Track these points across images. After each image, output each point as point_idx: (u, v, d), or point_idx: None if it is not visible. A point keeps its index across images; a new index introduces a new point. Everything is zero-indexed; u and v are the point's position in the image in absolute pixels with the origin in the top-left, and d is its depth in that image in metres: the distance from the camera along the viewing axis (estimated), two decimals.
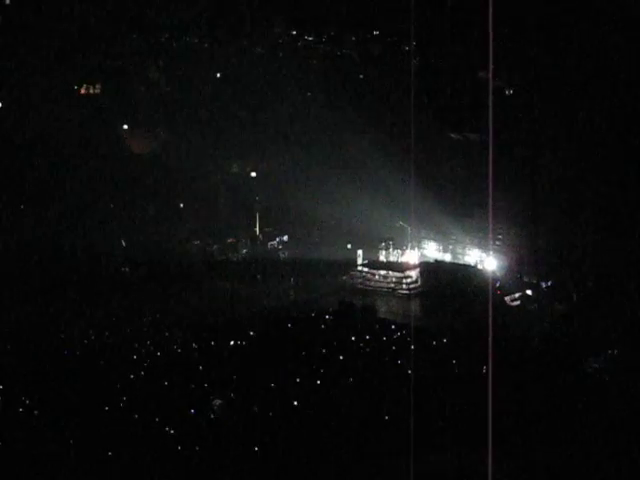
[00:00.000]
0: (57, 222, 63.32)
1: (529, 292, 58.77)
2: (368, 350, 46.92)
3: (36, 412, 38.11)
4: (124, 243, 64.82)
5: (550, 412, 36.47)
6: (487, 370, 34.74)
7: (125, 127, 70.82)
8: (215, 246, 66.81)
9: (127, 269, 62.59)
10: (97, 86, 71.19)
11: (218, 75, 72.42)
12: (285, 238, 68.17)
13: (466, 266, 62.77)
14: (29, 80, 67.49)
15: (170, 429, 36.47)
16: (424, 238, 66.18)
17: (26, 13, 68.41)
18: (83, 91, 71.23)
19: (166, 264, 61.80)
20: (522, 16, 62.00)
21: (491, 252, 61.58)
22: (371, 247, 65.45)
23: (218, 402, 39.27)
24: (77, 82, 70.69)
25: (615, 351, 46.98)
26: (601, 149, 59.25)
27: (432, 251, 65.90)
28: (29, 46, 67.59)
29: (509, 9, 59.72)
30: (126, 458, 33.56)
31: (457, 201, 63.04)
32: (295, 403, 38.48)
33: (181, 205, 68.14)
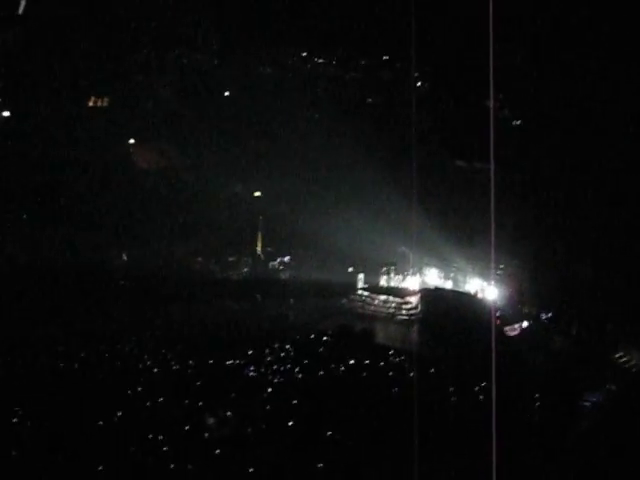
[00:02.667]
0: (58, 235, 63.55)
1: (528, 323, 58.64)
2: (365, 375, 46.75)
3: (28, 424, 37.78)
4: (125, 257, 64.83)
5: (545, 444, 36.22)
6: (485, 400, 34.73)
7: (132, 141, 71.00)
8: (216, 264, 66.84)
9: (127, 283, 62.57)
10: (105, 99, 71.43)
11: (226, 94, 72.67)
12: (287, 259, 68.15)
13: (466, 294, 62.66)
14: (37, 93, 67.81)
15: (163, 446, 36.19)
16: (426, 265, 66.09)
17: (35, 25, 68.66)
18: (91, 104, 71.43)
19: (165, 280, 61.80)
20: (532, 46, 62.33)
21: (492, 282, 61.49)
22: (372, 271, 65.41)
23: (212, 420, 39.08)
24: (85, 95, 70.84)
25: (613, 386, 46.80)
26: (608, 184, 59.38)
27: (433, 278, 65.83)
28: (38, 59, 67.85)
29: (520, 39, 60.13)
30: (117, 474, 33.33)
31: (460, 229, 63.00)
32: (290, 423, 38.24)
33: (183, 222, 68.13)
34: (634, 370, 51.75)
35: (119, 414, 38.86)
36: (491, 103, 59.69)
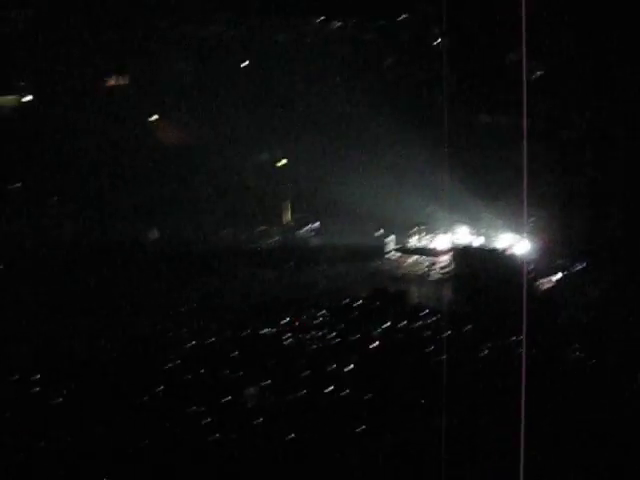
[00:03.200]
0: (85, 214, 63.96)
1: (562, 274, 58.27)
2: (401, 336, 46.83)
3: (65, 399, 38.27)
4: (157, 233, 65.05)
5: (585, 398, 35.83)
6: (520, 362, 34.26)
7: (153, 118, 70.87)
8: (246, 234, 66.87)
9: (159, 258, 62.82)
10: (125, 77, 71.35)
11: (245, 64, 72.28)
12: (317, 225, 68.01)
13: (498, 250, 62.34)
14: (56, 71, 67.91)
15: (204, 418, 36.52)
16: (456, 222, 65.71)
17: (52, 3, 68.55)
18: (111, 83, 71.42)
19: (196, 252, 61.99)
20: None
21: (524, 235, 61.09)
22: (402, 232, 65.16)
23: (251, 390, 39.29)
24: (103, 73, 70.82)
25: None
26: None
27: (464, 235, 65.44)
28: (55, 38, 67.81)
29: None
30: (157, 447, 33.68)
31: (489, 183, 62.56)
32: (326, 391, 38.41)
33: (210, 194, 68.16)
34: None
35: (158, 389, 39.21)
36: (524, 54, 58.70)
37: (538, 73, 65.74)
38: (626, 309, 49.62)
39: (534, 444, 21.19)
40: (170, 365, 42.90)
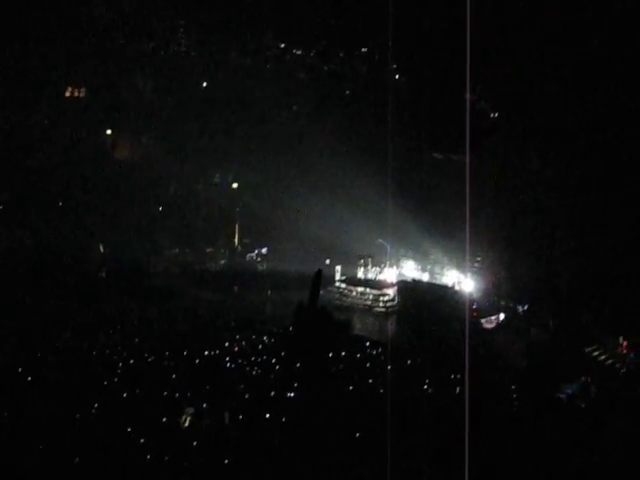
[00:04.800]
0: (34, 225, 63.14)
1: (504, 315, 58.98)
2: (341, 367, 46.85)
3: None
4: (102, 249, 64.45)
5: (523, 437, 36.40)
6: (462, 391, 34.89)
7: (109, 132, 70.48)
8: (193, 255, 66.65)
9: (104, 274, 62.31)
10: (82, 89, 70.76)
11: (204, 84, 72.33)
12: (264, 250, 68.07)
13: (443, 286, 62.96)
14: (14, 81, 67.20)
15: (140, 438, 36.08)
16: (403, 256, 66.32)
17: (12, 15, 67.80)
18: (68, 94, 70.78)
19: (142, 271, 61.55)
20: (507, 38, 62.36)
21: (469, 274, 61.79)
22: (350, 263, 65.50)
23: (190, 411, 38.96)
24: (63, 84, 70.20)
25: (589, 378, 47.14)
26: (585, 178, 59.63)
27: (410, 270, 66.03)
28: (14, 48, 67.19)
29: (493, 33, 60.23)
30: (93, 467, 33.18)
31: (437, 221, 63.16)
32: (267, 415, 38.26)
33: (160, 212, 67.83)
34: (608, 362, 52.24)
35: (96, 406, 38.68)
36: (468, 95, 59.86)
37: (492, 115, 66.93)
38: (567, 351, 50.66)
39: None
40: (106, 383, 42.29)
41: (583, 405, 42.75)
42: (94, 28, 69.58)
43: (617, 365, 52.08)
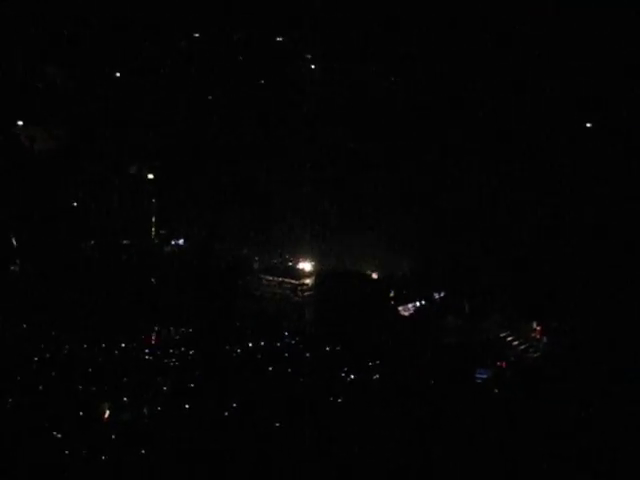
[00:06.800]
0: None
1: (421, 303, 59.68)
2: (259, 356, 47.00)
3: None
4: (15, 242, 63.25)
5: (439, 420, 36.98)
6: (378, 377, 35.33)
7: (20, 123, 68.93)
8: (107, 246, 65.66)
9: (16, 268, 61.13)
10: None
11: (118, 75, 71.24)
12: (181, 241, 67.53)
13: (361, 275, 63.28)
14: None
15: (57, 432, 35.65)
16: (322, 246, 66.43)
17: None
18: None
19: (56, 263, 60.44)
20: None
21: (388, 263, 62.30)
22: (268, 254, 65.48)
23: (106, 405, 38.64)
24: None
25: (503, 364, 48.14)
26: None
27: (328, 260, 66.17)
28: None
29: None
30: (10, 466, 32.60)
31: (359, 212, 63.62)
32: (187, 406, 38.17)
33: (75, 205, 66.77)
34: (522, 347, 53.45)
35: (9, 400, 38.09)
36: None
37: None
38: (481, 336, 51.63)
39: None
40: (19, 378, 41.63)
41: (497, 390, 43.58)
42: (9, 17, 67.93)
43: (531, 350, 53.32)
